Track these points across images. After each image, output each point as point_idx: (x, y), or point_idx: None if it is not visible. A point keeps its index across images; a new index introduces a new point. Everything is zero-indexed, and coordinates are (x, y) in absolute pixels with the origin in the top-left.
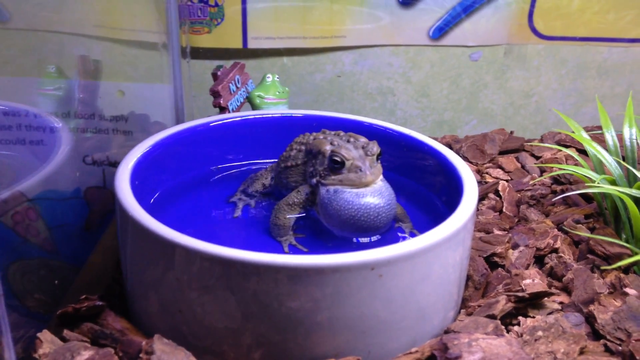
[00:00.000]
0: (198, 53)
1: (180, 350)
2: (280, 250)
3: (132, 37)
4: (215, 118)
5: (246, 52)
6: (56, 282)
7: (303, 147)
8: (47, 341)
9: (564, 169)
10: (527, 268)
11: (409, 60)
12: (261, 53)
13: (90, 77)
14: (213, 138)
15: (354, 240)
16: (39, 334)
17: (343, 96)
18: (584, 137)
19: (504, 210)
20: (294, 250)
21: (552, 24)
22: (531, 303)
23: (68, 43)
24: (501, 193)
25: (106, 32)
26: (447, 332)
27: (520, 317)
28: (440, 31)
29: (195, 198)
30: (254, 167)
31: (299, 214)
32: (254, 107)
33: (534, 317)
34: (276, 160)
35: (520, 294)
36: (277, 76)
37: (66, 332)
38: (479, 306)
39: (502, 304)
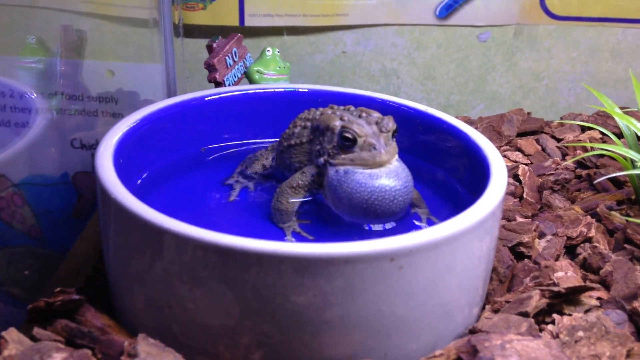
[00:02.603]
0: (192, 31)
1: (168, 352)
2: (283, 238)
3: (122, 13)
4: (211, 92)
5: (243, 31)
6: (43, 272)
7: (308, 124)
8: (14, 341)
9: (602, 149)
10: (557, 259)
11: (414, 41)
12: (259, 31)
13: (73, 49)
14: (208, 114)
15: (366, 227)
16: (3, 333)
17: (344, 78)
18: (621, 114)
19: (524, 196)
20: (298, 238)
21: (566, 3)
22: (567, 299)
23: (54, 19)
24: (521, 178)
25: (94, 7)
26: (473, 331)
27: (554, 315)
28: (448, 10)
29: (188, 180)
30: (253, 147)
31: (303, 197)
32: (253, 83)
33: (570, 315)
34: (278, 139)
35: (555, 289)
36: (277, 50)
37: (37, 331)
38: (507, 302)
39: (536, 300)
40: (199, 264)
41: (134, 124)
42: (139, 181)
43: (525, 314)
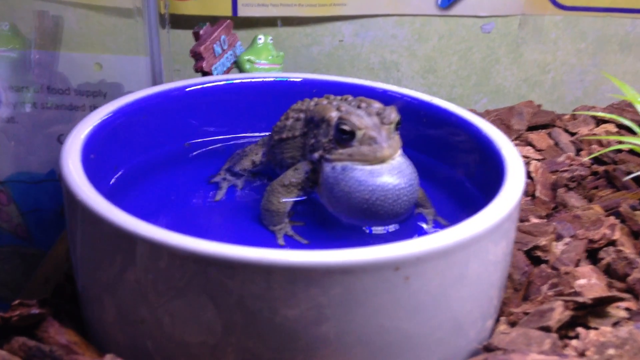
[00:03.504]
0: (181, 21)
1: None
2: (274, 242)
3: (105, 2)
4: (194, 81)
5: (236, 21)
6: (31, 273)
7: (302, 115)
8: None
9: (624, 142)
10: (577, 264)
11: (414, 32)
12: (253, 22)
13: (49, 37)
14: (191, 106)
15: (366, 230)
16: None
17: (342, 71)
18: None
19: (537, 194)
20: (290, 242)
21: None
22: (592, 310)
23: (29, 5)
24: (533, 174)
25: None
26: (489, 349)
27: (579, 329)
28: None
29: (169, 178)
30: (241, 142)
31: (296, 197)
32: (243, 73)
33: (597, 329)
34: (269, 132)
35: (580, 300)
36: (270, 38)
37: None
38: (525, 313)
39: (559, 313)
40: (175, 274)
41: (107, 116)
42: (113, 180)
43: (547, 329)
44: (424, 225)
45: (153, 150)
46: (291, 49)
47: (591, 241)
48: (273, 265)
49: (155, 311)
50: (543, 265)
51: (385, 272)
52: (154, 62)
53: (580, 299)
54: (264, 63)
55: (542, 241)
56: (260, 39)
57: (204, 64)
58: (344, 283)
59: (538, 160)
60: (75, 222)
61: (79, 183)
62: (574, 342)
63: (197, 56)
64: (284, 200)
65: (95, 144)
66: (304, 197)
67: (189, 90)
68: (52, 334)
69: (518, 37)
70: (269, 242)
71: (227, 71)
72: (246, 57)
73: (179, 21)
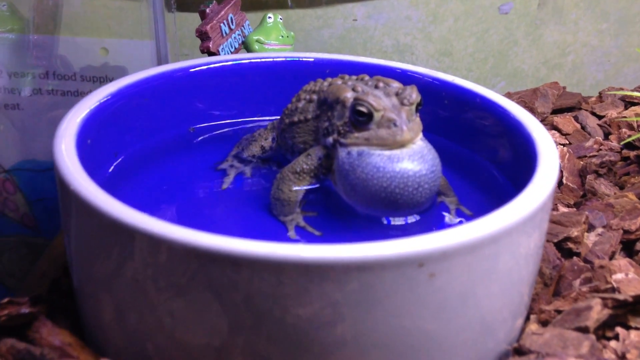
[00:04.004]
0: (187, 3)
1: None
2: (284, 234)
3: None
4: (198, 62)
5: (245, 3)
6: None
7: (315, 96)
8: None
9: None
10: (612, 257)
11: (429, 14)
12: (261, 4)
13: (48, 17)
14: (196, 88)
15: (384, 221)
16: None
17: (354, 54)
18: None
19: (564, 181)
20: (302, 233)
21: None
22: (633, 309)
23: None
24: (559, 160)
25: None
26: (520, 352)
27: (618, 328)
28: None
29: (173, 165)
30: (249, 126)
31: (309, 185)
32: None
33: (638, 329)
34: (279, 116)
35: (620, 297)
36: (280, 17)
37: None
38: (558, 311)
39: (597, 312)
40: (176, 270)
41: (105, 99)
42: (113, 167)
43: (584, 329)
44: (447, 216)
45: (156, 135)
46: (302, 32)
47: (627, 232)
48: (284, 261)
49: (155, 310)
50: (575, 258)
51: (408, 269)
52: (159, 45)
53: (620, 297)
54: (274, 43)
55: (574, 232)
56: (269, 18)
57: (211, 44)
58: (362, 280)
59: (564, 145)
60: (69, 213)
61: (73, 171)
62: (613, 344)
63: (203, 36)
64: (295, 188)
65: (93, 128)
66: (316, 185)
67: (194, 71)
68: (44, 334)
69: (537, 18)
70: (280, 233)
71: (235, 52)
72: (255, 37)
73: (185, 3)
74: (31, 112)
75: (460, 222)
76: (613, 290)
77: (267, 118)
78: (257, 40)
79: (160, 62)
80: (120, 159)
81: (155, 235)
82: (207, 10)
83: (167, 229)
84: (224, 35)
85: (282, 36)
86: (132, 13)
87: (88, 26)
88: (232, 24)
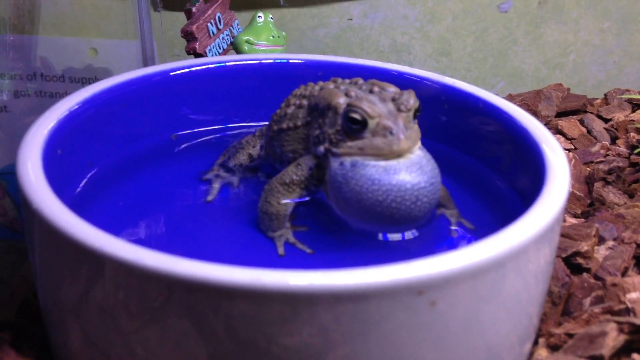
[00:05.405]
0: (174, 3)
1: None
2: (273, 251)
3: None
4: (180, 64)
5: (234, 1)
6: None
7: (305, 102)
8: None
9: None
10: (624, 273)
11: (427, 12)
12: (254, 3)
13: (25, 16)
14: (178, 92)
15: (380, 236)
16: None
17: (350, 54)
18: None
19: (570, 189)
20: (291, 250)
21: None
22: None
23: None
24: None
25: None
26: None
27: (634, 355)
28: None
29: (154, 175)
30: (236, 133)
31: (299, 197)
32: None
33: None
34: (267, 122)
35: (637, 322)
36: (270, 16)
37: None
38: (569, 334)
39: (613, 338)
40: (150, 296)
41: (77, 106)
42: (86, 179)
43: (599, 358)
44: (452, 229)
45: (135, 143)
46: (296, 32)
47: None
48: (269, 290)
49: (126, 338)
50: (585, 275)
51: (406, 297)
52: (145, 46)
53: (637, 321)
54: (264, 44)
55: (584, 246)
56: (260, 17)
57: (197, 45)
58: (355, 310)
59: (569, 150)
60: (32, 234)
61: (36, 187)
62: None
63: (188, 36)
64: (284, 201)
65: (63, 137)
66: (307, 198)
67: (175, 75)
68: None
69: (537, 17)
70: (268, 251)
71: (224, 53)
72: (244, 37)
73: (173, 2)
74: (18, 115)
75: (462, 237)
76: (627, 311)
77: (256, 124)
78: (247, 41)
79: (146, 63)
80: (96, 170)
81: (125, 261)
82: (193, 9)
83: (138, 254)
84: (212, 35)
85: (273, 36)
86: (120, 13)
87: (75, 25)
88: (220, 24)
